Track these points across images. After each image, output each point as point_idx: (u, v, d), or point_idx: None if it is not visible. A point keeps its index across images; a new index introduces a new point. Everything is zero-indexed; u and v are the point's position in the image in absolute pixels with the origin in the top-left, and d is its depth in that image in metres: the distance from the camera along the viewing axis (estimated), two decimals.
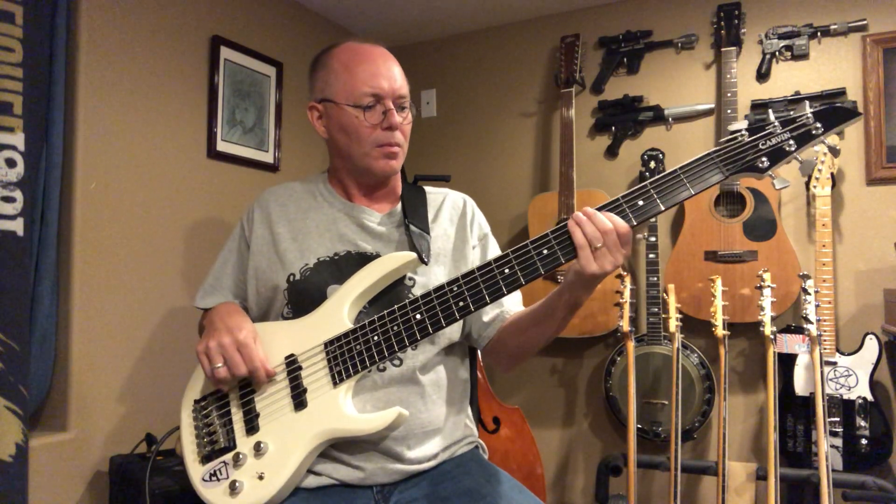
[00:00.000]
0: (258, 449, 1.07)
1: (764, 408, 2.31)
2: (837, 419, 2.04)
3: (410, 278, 1.18)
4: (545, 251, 1.01)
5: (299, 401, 1.08)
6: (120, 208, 1.89)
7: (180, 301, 2.06)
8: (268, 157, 2.43)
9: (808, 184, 2.21)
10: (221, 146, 2.23)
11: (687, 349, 2.30)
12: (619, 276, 2.25)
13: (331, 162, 1.30)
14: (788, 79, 2.34)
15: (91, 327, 1.80)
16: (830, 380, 2.07)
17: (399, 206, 1.28)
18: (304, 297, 1.17)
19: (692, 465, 2.22)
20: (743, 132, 0.98)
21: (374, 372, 1.13)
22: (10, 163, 1.52)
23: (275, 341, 1.14)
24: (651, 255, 2.32)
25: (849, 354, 2.07)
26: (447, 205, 1.31)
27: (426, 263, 1.18)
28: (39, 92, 1.66)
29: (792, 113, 0.98)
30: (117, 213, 1.89)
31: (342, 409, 1.06)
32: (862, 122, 2.21)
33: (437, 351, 1.19)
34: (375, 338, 1.07)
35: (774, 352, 2.00)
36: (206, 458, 1.11)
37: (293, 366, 1.11)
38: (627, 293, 2.22)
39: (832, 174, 2.11)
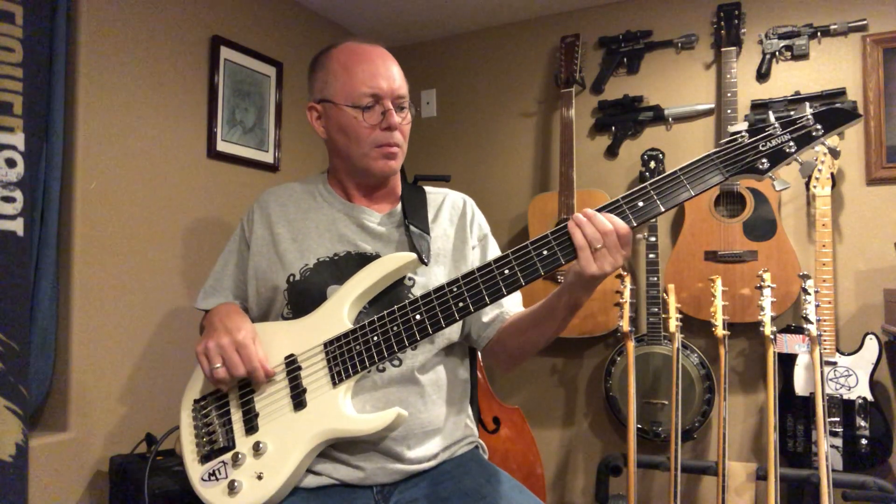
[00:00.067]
0: (257, 449, 1.07)
1: (764, 408, 2.31)
2: (837, 419, 2.04)
3: (410, 278, 1.18)
4: (545, 252, 1.01)
5: (299, 401, 1.08)
6: (120, 208, 1.89)
7: (180, 301, 2.06)
8: (268, 158, 2.43)
9: (808, 184, 2.21)
10: (221, 146, 2.23)
11: (687, 349, 2.30)
12: (619, 276, 2.25)
13: (330, 162, 1.30)
14: (788, 79, 2.34)
15: (91, 327, 1.80)
16: (830, 380, 2.07)
17: (399, 206, 1.28)
18: (303, 297, 1.17)
19: (692, 465, 2.22)
20: (743, 133, 0.98)
21: (374, 372, 1.13)
22: (10, 163, 1.52)
23: (274, 341, 1.14)
24: (651, 255, 2.32)
25: (849, 354, 2.07)
26: (447, 205, 1.31)
27: (426, 264, 1.18)
28: (39, 92, 1.66)
29: (792, 114, 0.98)
30: (117, 212, 1.89)
31: (342, 409, 1.06)
32: (862, 122, 2.21)
33: (437, 351, 1.19)
34: (375, 338, 1.07)
35: (774, 352, 2.00)
36: (205, 458, 1.11)
37: (293, 366, 1.11)
38: (627, 293, 2.22)
39: (832, 174, 2.11)
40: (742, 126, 0.99)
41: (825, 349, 2.05)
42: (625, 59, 2.60)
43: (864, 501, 1.97)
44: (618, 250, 0.98)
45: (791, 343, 2.11)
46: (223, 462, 1.09)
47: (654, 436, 2.29)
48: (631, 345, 2.21)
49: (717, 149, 0.99)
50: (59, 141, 1.73)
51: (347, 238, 1.22)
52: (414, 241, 1.19)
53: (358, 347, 1.08)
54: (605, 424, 2.59)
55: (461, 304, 1.04)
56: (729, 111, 2.29)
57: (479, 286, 1.03)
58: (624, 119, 2.58)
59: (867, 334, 2.07)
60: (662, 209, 0.98)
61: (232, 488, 1.05)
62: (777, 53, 2.34)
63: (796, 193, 2.31)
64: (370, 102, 1.17)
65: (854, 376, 2.05)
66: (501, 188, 2.85)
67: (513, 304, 1.25)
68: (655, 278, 2.30)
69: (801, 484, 2.10)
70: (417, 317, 1.06)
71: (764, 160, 0.97)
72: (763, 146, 0.97)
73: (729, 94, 2.29)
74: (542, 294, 1.15)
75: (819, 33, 2.28)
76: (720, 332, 2.08)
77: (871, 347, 2.04)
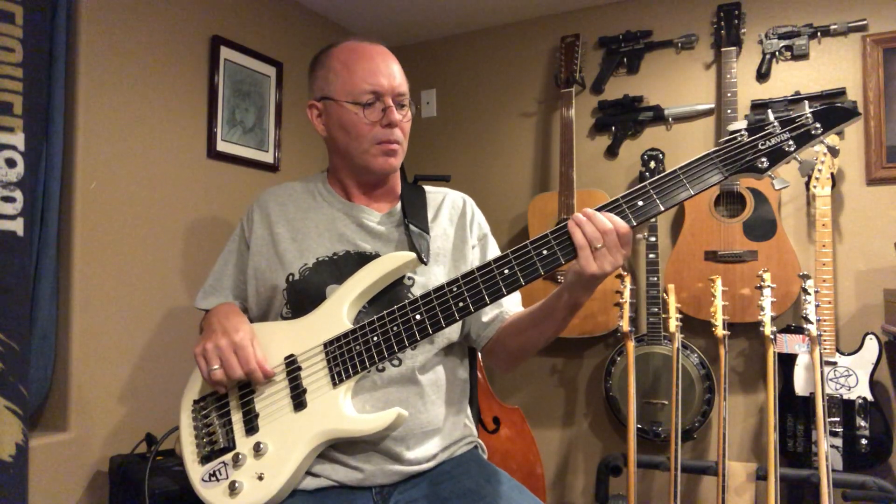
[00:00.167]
0: (258, 449, 1.07)
1: (764, 408, 2.31)
2: (837, 419, 2.04)
3: (410, 278, 1.18)
4: (545, 251, 1.01)
5: (299, 401, 1.08)
6: (120, 208, 1.89)
7: (180, 301, 2.06)
8: (268, 157, 2.43)
9: (808, 184, 2.21)
10: (221, 146, 2.23)
11: (687, 349, 2.30)
12: (619, 276, 2.25)
13: (330, 161, 1.30)
14: (788, 79, 2.34)
15: (91, 327, 1.80)
16: (830, 380, 2.07)
17: (398, 205, 1.28)
18: (303, 297, 1.17)
19: (692, 465, 2.22)
20: (742, 132, 0.98)
21: (374, 372, 1.13)
22: (10, 163, 1.52)
23: (274, 341, 1.14)
24: (651, 255, 2.32)
25: (849, 354, 2.07)
26: (447, 204, 1.31)
27: (425, 263, 1.18)
28: (39, 92, 1.66)
29: (791, 113, 0.98)
30: (117, 213, 1.88)
31: (342, 409, 1.06)
32: (862, 122, 2.21)
33: (436, 351, 1.19)
34: (375, 338, 1.07)
35: (774, 352, 2.00)
36: (205, 459, 1.11)
37: (293, 366, 1.11)
38: (627, 293, 2.22)
39: (832, 174, 2.11)
40: (741, 125, 0.99)
41: (825, 349, 2.05)
42: (625, 59, 2.60)
43: (864, 501, 1.97)
44: (618, 249, 0.98)
45: (791, 343, 2.11)
46: (224, 463, 1.09)
47: (654, 436, 2.29)
48: (631, 345, 2.21)
49: (717, 148, 0.99)
50: (59, 141, 1.73)
51: (347, 237, 1.22)
52: (413, 241, 1.19)
53: (358, 347, 1.08)
54: (605, 424, 2.59)
55: (461, 304, 1.04)
56: (729, 111, 2.29)
57: (479, 286, 1.03)
58: (624, 119, 2.58)
59: (867, 334, 2.07)
60: (662, 208, 0.98)
61: (233, 489, 1.05)
62: (777, 53, 2.34)
63: (796, 193, 2.31)
64: (371, 99, 1.17)
65: (854, 376, 2.05)
66: (501, 188, 2.85)
67: (512, 304, 1.25)
68: (655, 278, 2.30)
69: (801, 484, 2.10)
70: (417, 317, 1.06)
71: (763, 159, 0.97)
72: (762, 145, 0.97)
73: (729, 94, 2.29)
74: (542, 294, 1.15)
75: (819, 33, 2.28)
76: (720, 332, 2.08)
77: (871, 347, 2.04)
